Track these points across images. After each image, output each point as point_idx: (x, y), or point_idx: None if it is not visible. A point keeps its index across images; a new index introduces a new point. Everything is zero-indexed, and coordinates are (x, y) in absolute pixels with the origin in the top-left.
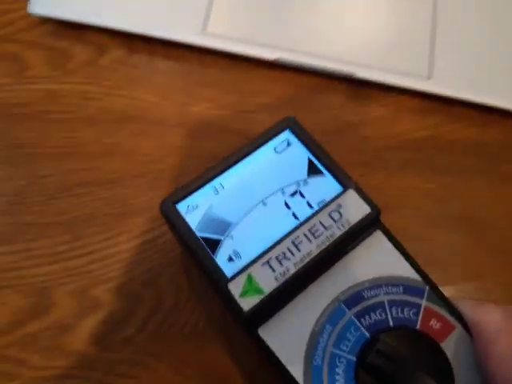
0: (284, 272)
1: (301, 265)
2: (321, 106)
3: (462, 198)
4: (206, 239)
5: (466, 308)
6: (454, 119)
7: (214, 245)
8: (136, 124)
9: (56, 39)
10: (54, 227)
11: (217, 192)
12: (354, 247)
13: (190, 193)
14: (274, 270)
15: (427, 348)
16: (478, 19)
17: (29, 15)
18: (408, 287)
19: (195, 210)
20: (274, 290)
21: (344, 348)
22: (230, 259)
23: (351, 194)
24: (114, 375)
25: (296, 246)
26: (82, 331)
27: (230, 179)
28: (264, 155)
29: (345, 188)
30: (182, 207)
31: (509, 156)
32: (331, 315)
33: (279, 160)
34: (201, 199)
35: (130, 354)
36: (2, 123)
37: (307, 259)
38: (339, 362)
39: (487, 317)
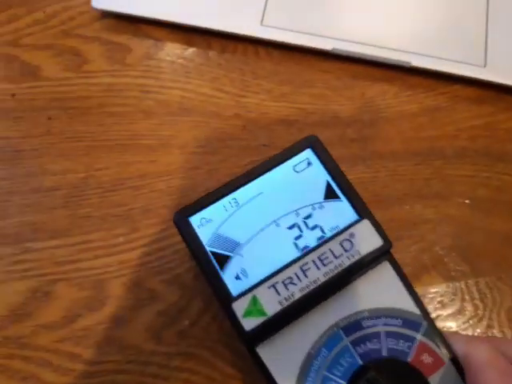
0: (289, 297)
1: (306, 291)
2: (375, 95)
3: None
4: (215, 254)
5: (459, 342)
6: (509, 107)
7: (223, 261)
8: (192, 116)
9: (114, 34)
10: (110, 219)
11: (231, 207)
12: (360, 276)
13: (205, 206)
14: (279, 294)
15: (415, 381)
16: None
17: (87, 11)
18: (406, 320)
19: (208, 223)
20: (276, 314)
21: (336, 373)
22: (238, 277)
23: (366, 225)
24: (170, 369)
25: (304, 272)
26: (137, 324)
27: (246, 195)
28: (282, 173)
29: (360, 217)
30: (195, 220)
31: None
32: (328, 340)
33: (297, 180)
34: (215, 214)
35: (186, 347)
36: (61, 117)
37: (313, 286)
38: None
39: (477, 350)
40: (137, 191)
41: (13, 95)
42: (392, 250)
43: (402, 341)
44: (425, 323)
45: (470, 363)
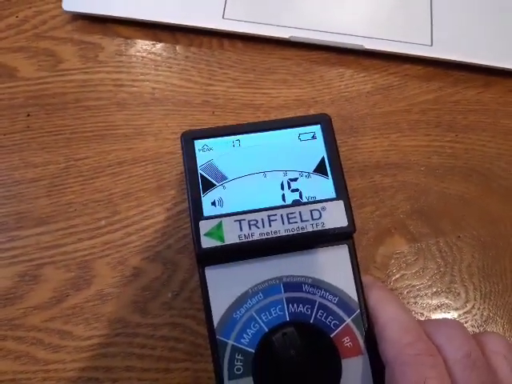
0: (248, 235)
1: (264, 237)
2: (332, 77)
3: (469, 152)
4: (204, 178)
5: (372, 297)
6: (455, 82)
7: (208, 186)
8: (164, 106)
9: (85, 34)
10: (92, 205)
11: (233, 146)
12: (317, 247)
13: (211, 136)
14: (241, 229)
15: (328, 356)
16: None
17: (58, 15)
18: (343, 302)
19: (208, 151)
20: (232, 244)
21: (263, 317)
22: (214, 203)
23: (339, 204)
24: (156, 338)
25: (269, 221)
26: (123, 300)
27: (250, 141)
28: (288, 136)
29: (337, 197)
30: (198, 144)
31: (509, 113)
32: (268, 288)
33: (298, 146)
34: (218, 145)
35: (170, 318)
36: (39, 113)
37: (272, 236)
38: (253, 325)
39: (385, 307)
40: (116, 177)
41: None
42: (356, 221)
43: (331, 317)
44: (358, 312)
45: (376, 318)
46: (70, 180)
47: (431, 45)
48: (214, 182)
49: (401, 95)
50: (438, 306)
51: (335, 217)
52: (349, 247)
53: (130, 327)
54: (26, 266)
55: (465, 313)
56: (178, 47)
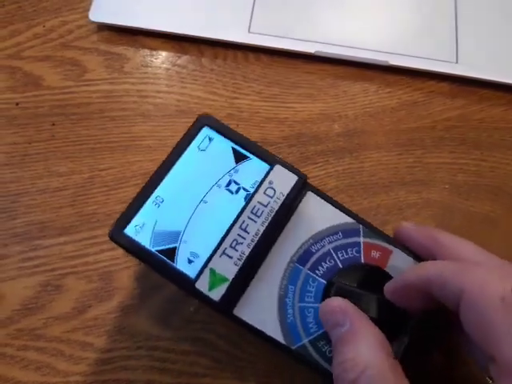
0: (241, 256)
1: (253, 244)
2: (357, 92)
3: (495, 171)
4: (162, 251)
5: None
6: (480, 99)
7: (172, 253)
8: (188, 118)
9: (111, 45)
10: (115, 216)
11: (158, 205)
12: (293, 213)
13: (134, 215)
14: (231, 257)
15: (374, 275)
16: (496, 6)
17: (84, 25)
18: (345, 231)
19: (143, 228)
20: (236, 275)
21: (309, 300)
22: (190, 261)
23: (278, 169)
24: (177, 352)
25: (244, 230)
26: (144, 312)
27: (167, 189)
28: (191, 157)
29: (271, 165)
30: (130, 231)
31: None
32: (290, 276)
33: (206, 157)
34: (145, 217)
35: (192, 332)
36: (64, 122)
37: (257, 238)
38: (308, 312)
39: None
40: (139, 188)
41: (17, 104)
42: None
43: (349, 249)
44: (361, 227)
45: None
46: (93, 190)
47: (456, 62)
48: (172, 245)
49: (425, 112)
50: None
51: (284, 180)
52: (312, 191)
53: (151, 340)
54: (48, 275)
55: None
56: (203, 60)
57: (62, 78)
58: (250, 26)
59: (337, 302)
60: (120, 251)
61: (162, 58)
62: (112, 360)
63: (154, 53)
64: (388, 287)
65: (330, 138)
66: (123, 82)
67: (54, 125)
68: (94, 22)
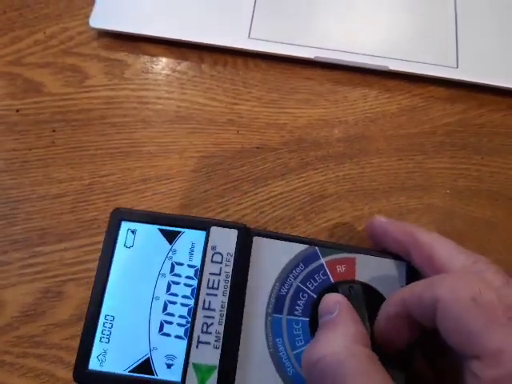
0: (217, 337)
1: (224, 318)
2: (357, 98)
3: (495, 176)
4: (137, 368)
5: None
6: (480, 104)
7: (148, 368)
8: (189, 124)
9: (111, 51)
10: None
11: (111, 324)
12: (248, 266)
13: (91, 346)
14: (208, 343)
15: (347, 289)
16: (496, 12)
17: (85, 31)
18: (305, 259)
19: (106, 354)
20: (221, 358)
21: (300, 344)
22: (169, 366)
23: (215, 230)
24: None
25: (209, 309)
26: None
27: (113, 304)
28: (121, 258)
29: (206, 229)
30: (94, 365)
31: None
32: (273, 330)
33: (137, 251)
34: (103, 343)
35: None
36: (65, 129)
37: (224, 310)
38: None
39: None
40: (140, 194)
41: (17, 110)
42: None
43: (315, 275)
44: (317, 248)
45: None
46: (94, 196)
47: (457, 67)
48: (144, 357)
49: (425, 117)
50: None
51: (226, 239)
52: (256, 235)
53: None
54: (48, 282)
55: None
56: (203, 66)
57: (63, 85)
58: (249, 32)
59: (335, 297)
60: None
61: (162, 64)
62: None
63: (155, 59)
64: (376, 328)
65: (331, 144)
66: (124, 88)
67: (54, 131)
68: (94, 29)
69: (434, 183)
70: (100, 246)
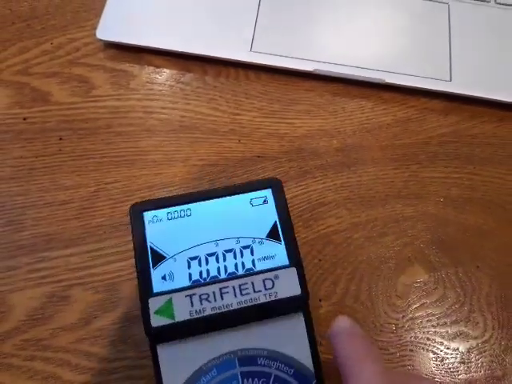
0: (200, 311)
1: (216, 311)
2: (354, 109)
3: (487, 185)
4: (154, 251)
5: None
6: (472, 116)
7: (158, 259)
8: (192, 133)
9: (117, 62)
10: (122, 228)
11: (183, 216)
12: (273, 317)
13: (161, 207)
14: (192, 305)
15: None
16: (488, 27)
17: (91, 42)
18: (299, 373)
19: (158, 222)
20: (183, 321)
21: None
22: (164, 278)
23: (292, 272)
24: None
25: (221, 294)
26: None
27: (201, 210)
28: (240, 202)
29: (290, 264)
30: (148, 216)
31: None
32: (222, 363)
33: (250, 212)
34: (168, 216)
35: None
36: (71, 137)
37: (224, 309)
38: None
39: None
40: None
41: (24, 119)
42: (378, 250)
43: None
44: (314, 382)
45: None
46: (99, 203)
47: (450, 80)
48: (164, 254)
49: (420, 128)
50: (457, 335)
51: (288, 285)
52: (304, 315)
53: None
54: (54, 286)
55: (483, 342)
56: (206, 77)
57: (70, 94)
58: (251, 46)
59: None
60: (126, 263)
61: (166, 75)
62: (117, 370)
63: (159, 70)
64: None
65: (329, 153)
66: (129, 98)
67: (61, 139)
68: (100, 40)
69: (428, 192)
70: (105, 252)
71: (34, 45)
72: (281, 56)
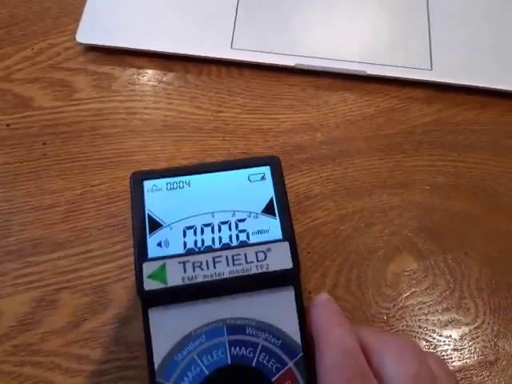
0: (192, 277)
1: (208, 279)
2: (337, 102)
3: (472, 171)
4: (151, 218)
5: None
6: (455, 104)
7: (155, 227)
8: (176, 132)
9: (98, 65)
10: (108, 230)
11: (182, 187)
12: (264, 288)
13: (161, 177)
14: (184, 272)
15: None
16: (466, 16)
17: (72, 47)
18: (286, 345)
19: (157, 191)
20: (174, 287)
21: (204, 361)
22: (159, 244)
23: (284, 246)
24: None
25: (214, 263)
26: (139, 323)
27: (199, 182)
28: (238, 177)
29: (283, 238)
30: (147, 184)
31: (508, 132)
32: (211, 330)
33: (247, 187)
34: (167, 186)
35: None
36: (55, 141)
37: (216, 278)
38: (194, 369)
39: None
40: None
41: (7, 125)
42: (366, 240)
43: (273, 360)
44: (301, 355)
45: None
46: (85, 206)
47: (431, 69)
48: (161, 222)
49: (403, 117)
50: (449, 322)
51: (280, 258)
52: (294, 289)
53: None
54: (42, 291)
55: (475, 328)
56: (188, 76)
57: (52, 99)
58: (232, 43)
59: None
60: (113, 264)
61: (148, 75)
62: (108, 371)
63: (141, 71)
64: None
65: (314, 146)
66: (112, 100)
67: (44, 144)
68: (81, 44)
69: (414, 180)
70: (93, 254)
71: (14, 51)
72: (262, 52)
